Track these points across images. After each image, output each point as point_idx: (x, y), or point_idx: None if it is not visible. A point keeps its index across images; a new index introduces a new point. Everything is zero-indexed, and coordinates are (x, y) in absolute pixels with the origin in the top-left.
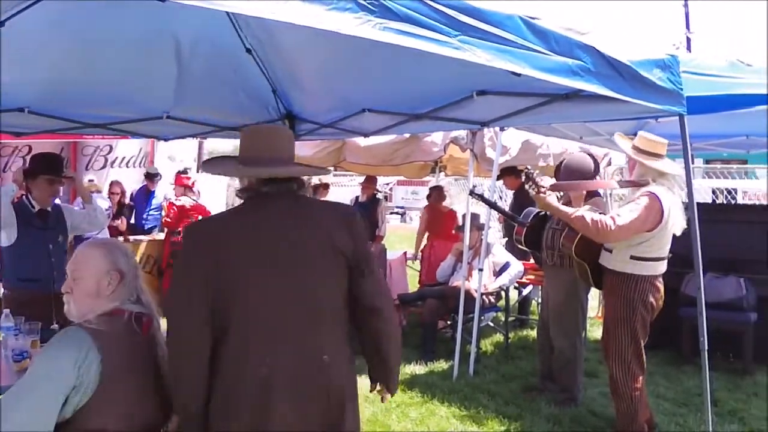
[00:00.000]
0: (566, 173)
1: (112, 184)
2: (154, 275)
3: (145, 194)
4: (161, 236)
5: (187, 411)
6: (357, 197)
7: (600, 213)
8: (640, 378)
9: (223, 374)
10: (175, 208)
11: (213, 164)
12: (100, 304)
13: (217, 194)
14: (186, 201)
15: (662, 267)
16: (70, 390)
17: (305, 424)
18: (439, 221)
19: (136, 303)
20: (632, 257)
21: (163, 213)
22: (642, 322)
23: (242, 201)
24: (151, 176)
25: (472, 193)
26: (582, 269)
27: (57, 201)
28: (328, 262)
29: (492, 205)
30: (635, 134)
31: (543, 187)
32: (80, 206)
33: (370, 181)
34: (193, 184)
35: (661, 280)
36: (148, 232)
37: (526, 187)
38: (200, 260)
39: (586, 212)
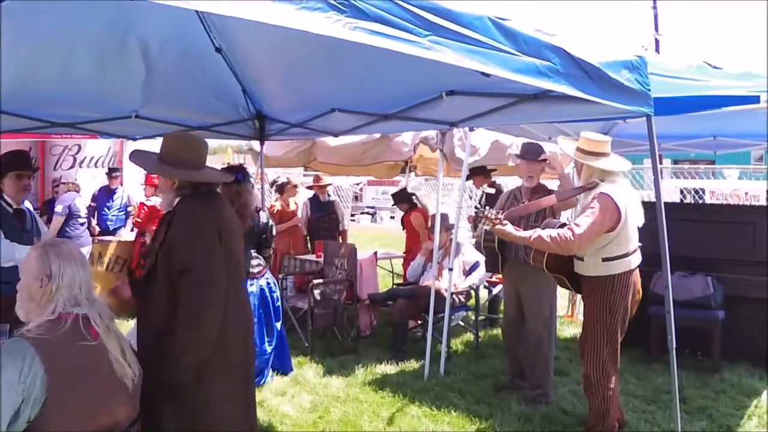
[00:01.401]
0: (528, 150)
1: (54, 181)
2: (124, 276)
3: (106, 193)
4: (131, 237)
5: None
6: (314, 196)
7: (560, 223)
8: (614, 378)
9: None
10: (146, 208)
11: (146, 163)
12: (34, 308)
13: None
14: (157, 201)
15: (635, 260)
16: (19, 404)
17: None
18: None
19: (80, 306)
20: (604, 260)
21: (133, 213)
22: (621, 320)
23: (185, 196)
24: (112, 172)
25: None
26: (559, 280)
27: (27, 204)
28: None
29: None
30: (605, 135)
31: (497, 219)
32: (66, 204)
33: (320, 180)
34: None
35: (636, 273)
36: (113, 233)
37: (481, 225)
38: (214, 237)
39: (542, 231)
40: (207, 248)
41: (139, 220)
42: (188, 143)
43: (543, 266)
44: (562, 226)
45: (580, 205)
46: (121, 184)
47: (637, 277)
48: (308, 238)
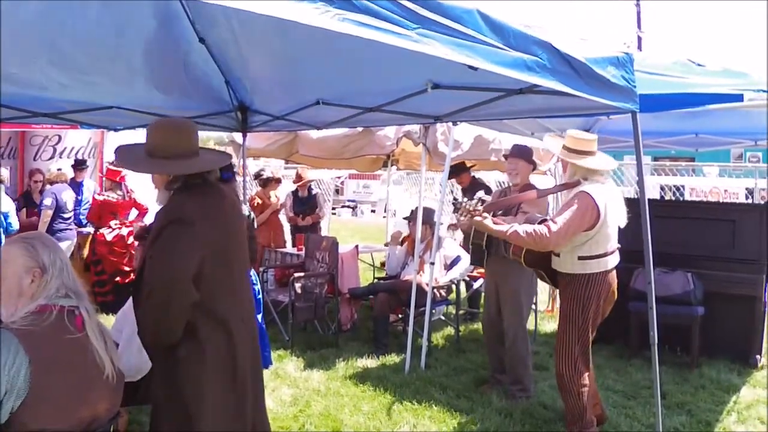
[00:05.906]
0: (517, 151)
1: (32, 171)
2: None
3: (74, 186)
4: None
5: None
6: (296, 191)
7: (541, 218)
8: (586, 375)
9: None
10: (98, 202)
11: (133, 162)
12: (24, 302)
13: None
14: (111, 196)
15: (612, 261)
16: (2, 395)
17: None
18: None
19: (67, 297)
20: (579, 258)
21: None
22: (593, 319)
23: (180, 187)
24: (79, 164)
25: (455, 201)
26: (538, 275)
27: None
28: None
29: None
30: (587, 131)
31: (476, 210)
32: (53, 198)
33: (301, 178)
34: (122, 178)
35: (613, 273)
36: (84, 227)
37: (458, 216)
38: (193, 233)
39: (519, 226)
40: (175, 240)
41: (90, 214)
42: (174, 130)
43: (521, 260)
44: (543, 221)
45: (562, 202)
46: (90, 177)
47: (613, 278)
48: (291, 230)
